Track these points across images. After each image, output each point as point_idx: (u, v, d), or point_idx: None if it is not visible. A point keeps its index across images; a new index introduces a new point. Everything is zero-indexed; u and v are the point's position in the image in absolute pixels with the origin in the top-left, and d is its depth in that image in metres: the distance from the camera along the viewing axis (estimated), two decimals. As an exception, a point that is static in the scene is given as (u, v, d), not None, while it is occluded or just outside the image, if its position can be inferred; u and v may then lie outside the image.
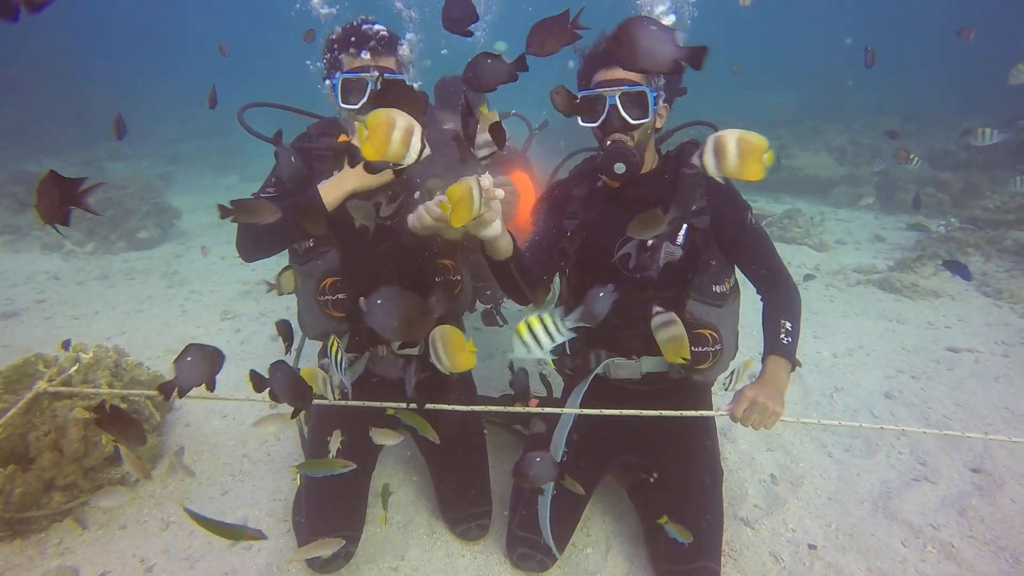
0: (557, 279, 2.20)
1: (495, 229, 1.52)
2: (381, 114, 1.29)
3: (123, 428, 1.52)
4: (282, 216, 1.70)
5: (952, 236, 5.98)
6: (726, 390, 1.98)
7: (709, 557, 1.96)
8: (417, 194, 1.93)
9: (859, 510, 2.40)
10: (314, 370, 1.77)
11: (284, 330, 2.09)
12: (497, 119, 1.51)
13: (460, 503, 2.25)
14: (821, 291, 5.18)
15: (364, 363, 2.18)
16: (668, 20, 1.90)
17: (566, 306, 2.13)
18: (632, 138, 1.82)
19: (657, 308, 1.82)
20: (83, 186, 1.22)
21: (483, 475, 2.33)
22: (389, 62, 2.00)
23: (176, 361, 1.41)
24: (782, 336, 1.95)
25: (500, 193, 1.48)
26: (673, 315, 1.80)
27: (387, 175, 1.84)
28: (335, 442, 1.97)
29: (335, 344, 1.89)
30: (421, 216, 1.65)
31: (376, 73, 1.94)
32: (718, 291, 1.97)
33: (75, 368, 2.31)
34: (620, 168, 1.78)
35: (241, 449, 2.80)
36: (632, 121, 1.79)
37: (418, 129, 1.31)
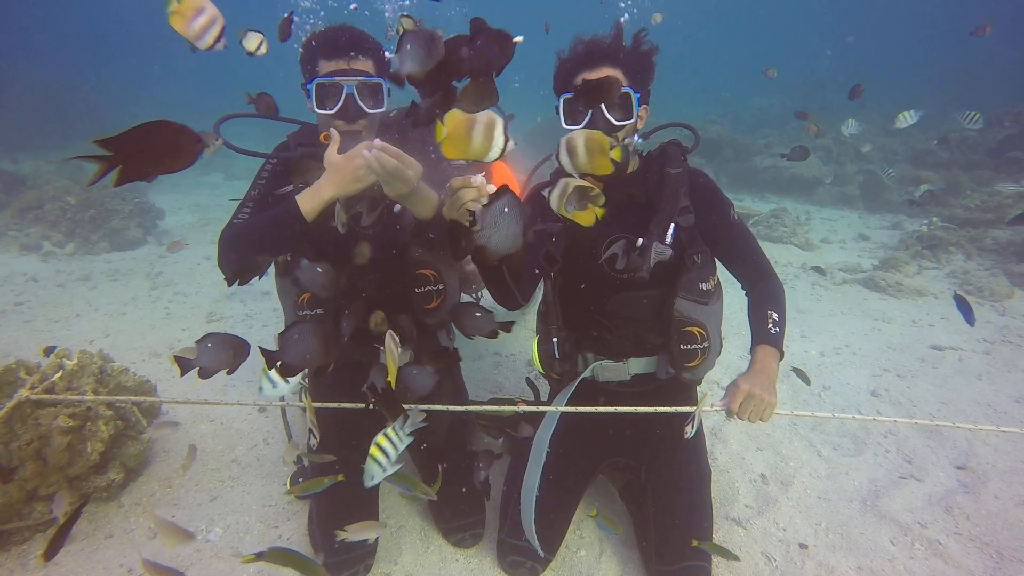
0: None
1: None
2: (458, 113, 1.26)
3: None
4: (261, 230, 1.67)
5: (935, 235, 6.07)
6: (687, 437, 1.89)
7: (701, 556, 1.97)
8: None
9: (848, 509, 2.43)
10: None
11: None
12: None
13: (454, 513, 2.22)
14: (807, 290, 5.24)
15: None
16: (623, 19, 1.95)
17: (551, 310, 2.12)
18: (616, 139, 1.82)
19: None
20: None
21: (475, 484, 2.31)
22: (367, 65, 1.97)
23: (198, 343, 1.41)
24: (770, 326, 1.95)
25: (492, 188, 1.47)
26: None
27: (366, 181, 1.79)
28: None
29: (307, 398, 1.85)
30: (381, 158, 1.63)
31: (352, 78, 1.92)
32: (704, 289, 1.98)
33: (58, 375, 2.25)
34: None
35: (230, 454, 2.76)
36: (616, 123, 1.81)
37: (499, 123, 1.27)
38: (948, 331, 4.24)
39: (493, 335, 1.91)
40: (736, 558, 2.03)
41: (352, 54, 1.94)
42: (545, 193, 1.57)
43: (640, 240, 1.88)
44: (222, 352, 1.49)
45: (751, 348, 1.98)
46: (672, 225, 1.89)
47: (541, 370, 2.16)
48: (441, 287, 2.12)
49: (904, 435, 2.94)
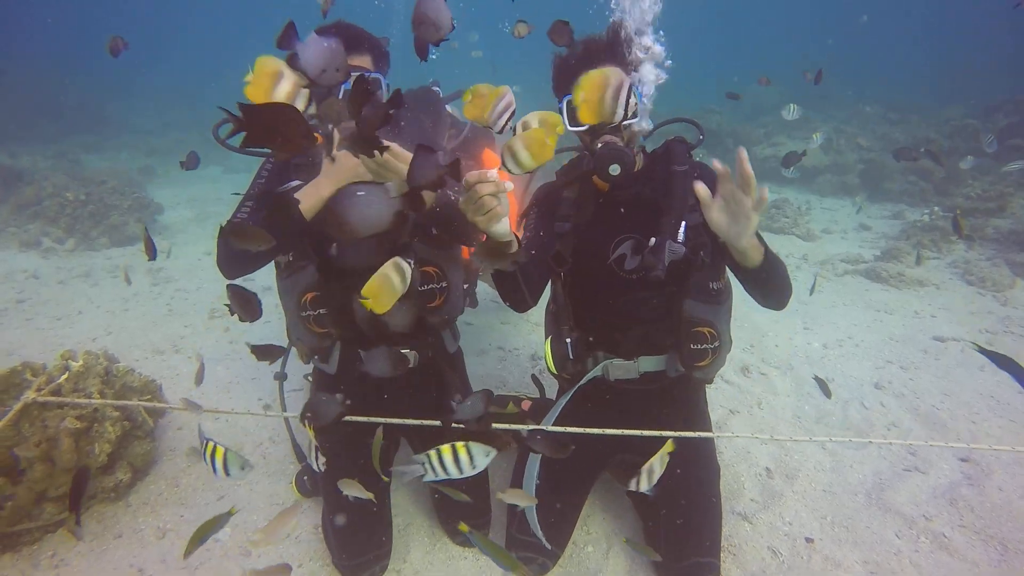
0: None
1: (505, 225, 1.49)
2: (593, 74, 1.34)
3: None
4: (260, 227, 1.66)
5: (936, 224, 6.07)
6: (646, 490, 1.82)
7: (709, 553, 1.98)
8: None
9: (853, 502, 2.44)
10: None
11: (261, 352, 2.06)
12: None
13: (460, 513, 2.22)
14: (810, 281, 5.24)
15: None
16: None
17: (562, 310, 2.12)
18: (622, 138, 1.81)
19: None
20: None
21: (483, 482, 2.30)
22: (364, 61, 1.96)
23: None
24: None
25: (510, 185, 1.45)
26: None
27: (365, 178, 1.77)
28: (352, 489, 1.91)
29: (312, 439, 1.84)
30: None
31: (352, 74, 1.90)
32: (714, 288, 1.97)
33: (64, 376, 2.25)
34: (615, 169, 1.76)
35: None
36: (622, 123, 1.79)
37: (627, 83, 1.34)
38: (950, 322, 4.24)
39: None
40: (656, 556, 1.98)
41: (349, 51, 1.92)
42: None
43: (653, 239, 1.87)
44: None
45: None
46: (684, 223, 1.88)
47: (554, 370, 2.15)
48: (444, 284, 2.11)
49: (908, 427, 2.96)
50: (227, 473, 1.63)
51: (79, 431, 2.15)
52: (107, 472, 2.33)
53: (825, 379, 3.45)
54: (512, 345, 3.83)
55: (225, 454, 1.63)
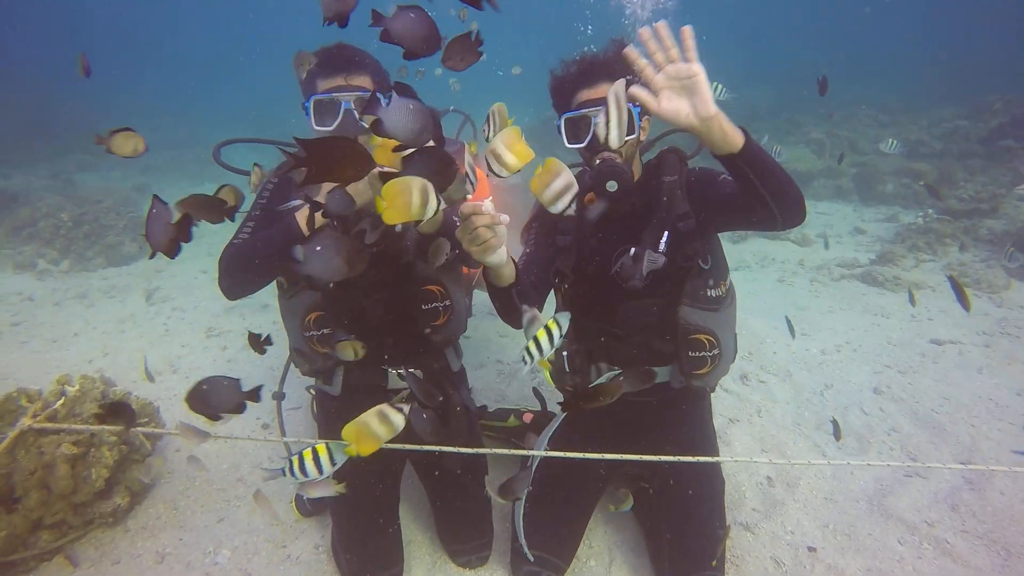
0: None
1: (500, 256, 1.50)
2: (396, 183, 1.29)
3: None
4: (262, 249, 1.66)
5: (930, 227, 6.09)
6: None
7: (713, 566, 1.97)
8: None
9: (855, 509, 2.43)
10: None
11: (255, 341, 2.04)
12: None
13: (461, 535, 2.20)
14: (806, 286, 5.25)
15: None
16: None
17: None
18: (620, 155, 1.82)
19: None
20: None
21: (482, 504, 2.28)
22: (364, 81, 1.98)
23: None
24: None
25: (505, 218, 1.47)
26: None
27: (366, 197, 1.78)
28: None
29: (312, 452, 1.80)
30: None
31: (349, 94, 1.91)
32: (712, 295, 1.97)
33: (61, 402, 2.24)
34: (612, 186, 1.78)
35: (235, 473, 2.75)
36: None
37: (431, 188, 1.32)
38: (947, 324, 4.25)
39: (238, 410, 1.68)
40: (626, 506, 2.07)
41: (349, 70, 1.94)
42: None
43: (632, 250, 1.88)
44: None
45: None
46: (666, 233, 1.89)
47: (553, 384, 2.15)
48: (448, 303, 2.11)
49: (908, 432, 2.95)
50: (333, 463, 1.55)
51: (76, 457, 2.14)
52: (104, 497, 2.30)
53: (824, 385, 3.45)
54: (511, 358, 3.82)
55: (328, 448, 1.54)
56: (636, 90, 1.47)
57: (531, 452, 2.02)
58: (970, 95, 10.43)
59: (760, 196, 1.60)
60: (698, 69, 1.44)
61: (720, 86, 2.55)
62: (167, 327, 4.56)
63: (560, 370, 2.10)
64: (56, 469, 2.08)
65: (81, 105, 14.10)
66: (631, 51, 1.47)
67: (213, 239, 7.26)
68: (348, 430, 1.39)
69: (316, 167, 1.20)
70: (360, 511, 2.11)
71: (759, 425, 3.08)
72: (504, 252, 1.52)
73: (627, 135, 1.81)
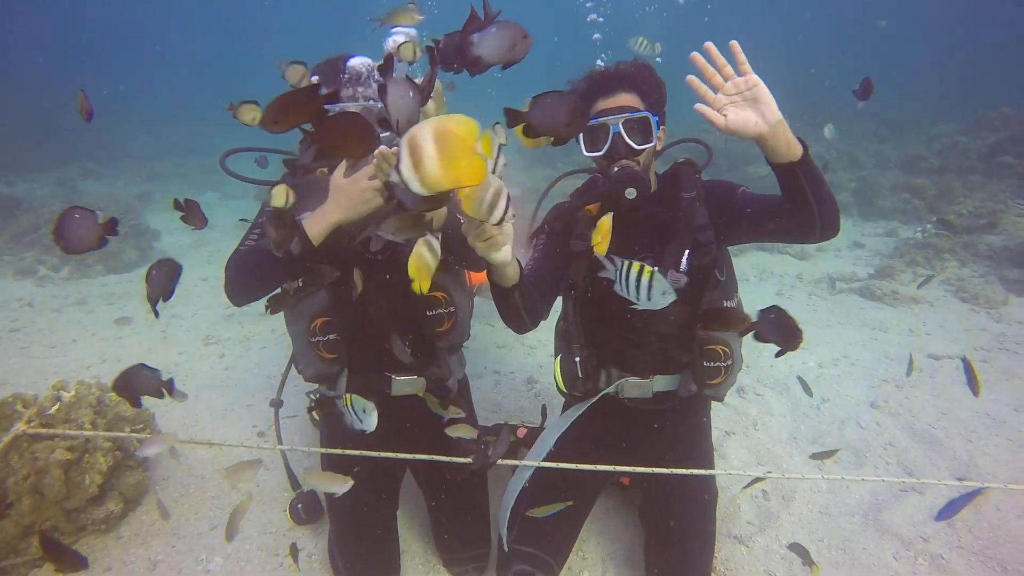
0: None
1: (505, 254, 1.51)
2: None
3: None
4: (268, 255, 1.67)
5: (929, 242, 6.11)
6: None
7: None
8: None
9: (850, 523, 2.42)
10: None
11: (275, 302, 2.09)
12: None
13: (459, 544, 2.19)
14: (804, 300, 5.26)
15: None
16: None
17: (572, 328, 2.10)
18: (637, 163, 1.85)
19: None
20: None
21: (483, 513, 2.27)
22: (370, 92, 2.00)
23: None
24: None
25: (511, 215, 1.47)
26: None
27: (373, 203, 1.80)
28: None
29: (348, 399, 1.81)
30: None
31: (357, 105, 1.94)
32: (728, 307, 1.99)
33: (56, 407, 2.24)
34: (632, 193, 1.80)
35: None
36: (637, 147, 1.83)
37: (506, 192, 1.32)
38: (945, 340, 4.25)
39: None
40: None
41: (357, 83, 1.97)
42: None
43: (656, 268, 1.88)
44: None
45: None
46: (687, 252, 1.89)
47: (563, 388, 2.14)
48: (452, 309, 2.12)
49: (904, 447, 2.95)
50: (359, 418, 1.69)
51: (69, 462, 2.14)
52: (97, 503, 2.30)
53: (821, 399, 3.45)
54: (508, 369, 3.82)
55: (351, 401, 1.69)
56: (702, 108, 1.51)
57: (529, 463, 2.01)
58: (970, 111, 10.47)
59: (808, 205, 1.63)
60: (757, 79, 1.48)
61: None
62: (165, 334, 4.57)
63: (572, 376, 2.08)
64: (50, 474, 2.08)
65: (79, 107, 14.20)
66: (694, 79, 1.53)
67: (214, 247, 7.30)
68: (410, 264, 1.43)
69: (324, 144, 1.22)
70: (359, 517, 2.10)
71: (755, 438, 3.07)
72: (509, 251, 1.52)
73: (645, 143, 1.84)
